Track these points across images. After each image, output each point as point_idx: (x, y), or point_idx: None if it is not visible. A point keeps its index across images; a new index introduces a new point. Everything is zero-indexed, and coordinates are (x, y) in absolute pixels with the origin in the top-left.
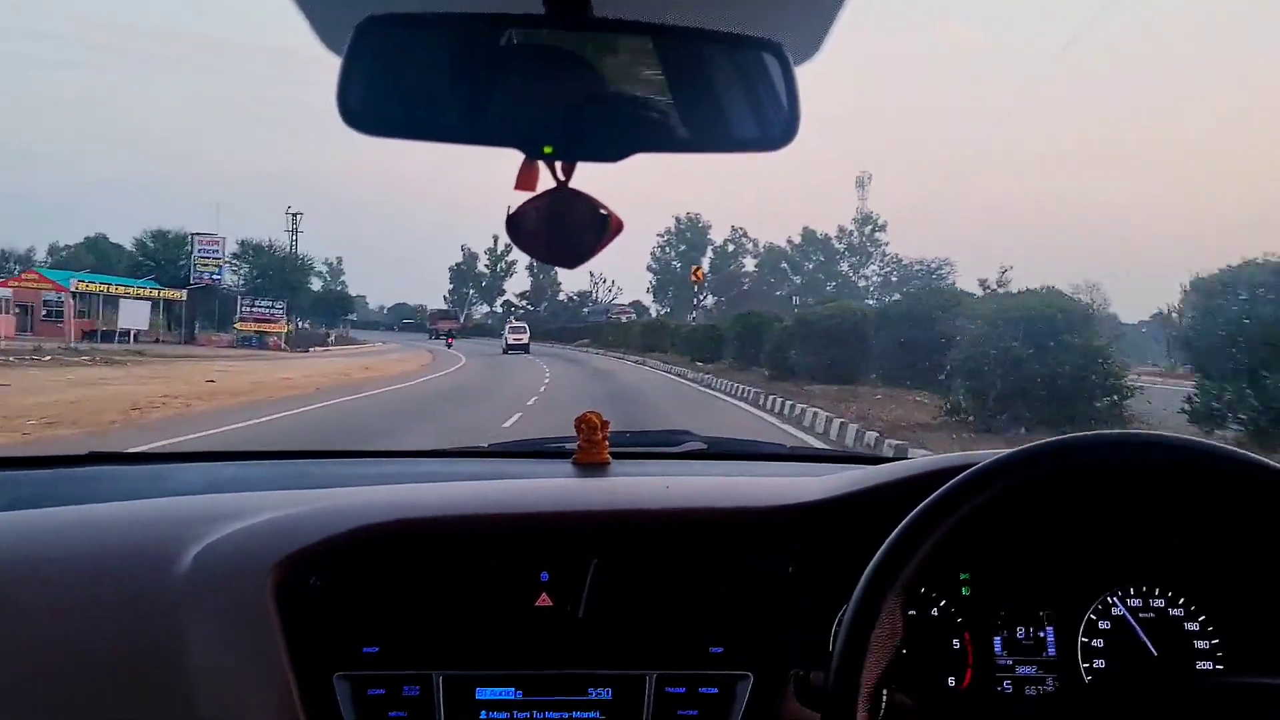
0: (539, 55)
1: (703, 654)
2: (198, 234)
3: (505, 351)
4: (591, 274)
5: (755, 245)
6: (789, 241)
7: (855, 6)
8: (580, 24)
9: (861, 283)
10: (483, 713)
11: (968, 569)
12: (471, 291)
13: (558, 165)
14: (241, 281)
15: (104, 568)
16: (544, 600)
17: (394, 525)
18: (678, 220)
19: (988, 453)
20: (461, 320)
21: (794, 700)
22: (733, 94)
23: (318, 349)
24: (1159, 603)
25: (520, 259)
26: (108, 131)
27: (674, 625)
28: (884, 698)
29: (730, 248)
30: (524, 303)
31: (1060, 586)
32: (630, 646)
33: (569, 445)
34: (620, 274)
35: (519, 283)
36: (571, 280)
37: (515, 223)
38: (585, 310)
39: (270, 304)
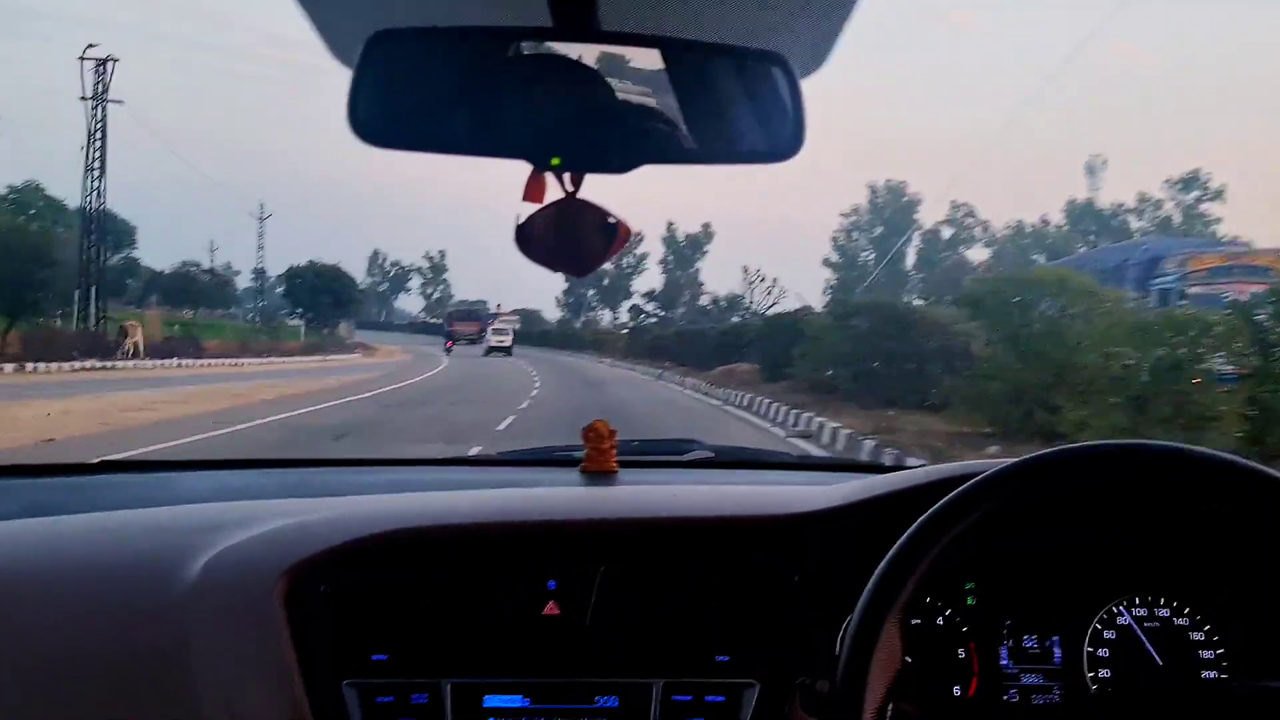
0: (547, 67)
1: (709, 662)
2: None
3: (486, 354)
4: (745, 270)
5: (985, 229)
6: (1044, 220)
7: (860, 22)
8: (587, 36)
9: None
10: None
11: (973, 578)
12: (591, 293)
13: (565, 177)
14: None
15: (113, 575)
16: (551, 608)
17: (403, 533)
18: (873, 192)
19: (992, 462)
20: (484, 324)
21: (800, 709)
22: (739, 106)
23: (83, 368)
24: (1164, 612)
25: (652, 251)
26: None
27: (680, 633)
28: (889, 707)
29: (947, 232)
30: (653, 306)
31: (1066, 596)
32: (637, 654)
33: (576, 453)
34: (787, 271)
35: (650, 280)
36: (718, 278)
37: (523, 233)
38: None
39: None
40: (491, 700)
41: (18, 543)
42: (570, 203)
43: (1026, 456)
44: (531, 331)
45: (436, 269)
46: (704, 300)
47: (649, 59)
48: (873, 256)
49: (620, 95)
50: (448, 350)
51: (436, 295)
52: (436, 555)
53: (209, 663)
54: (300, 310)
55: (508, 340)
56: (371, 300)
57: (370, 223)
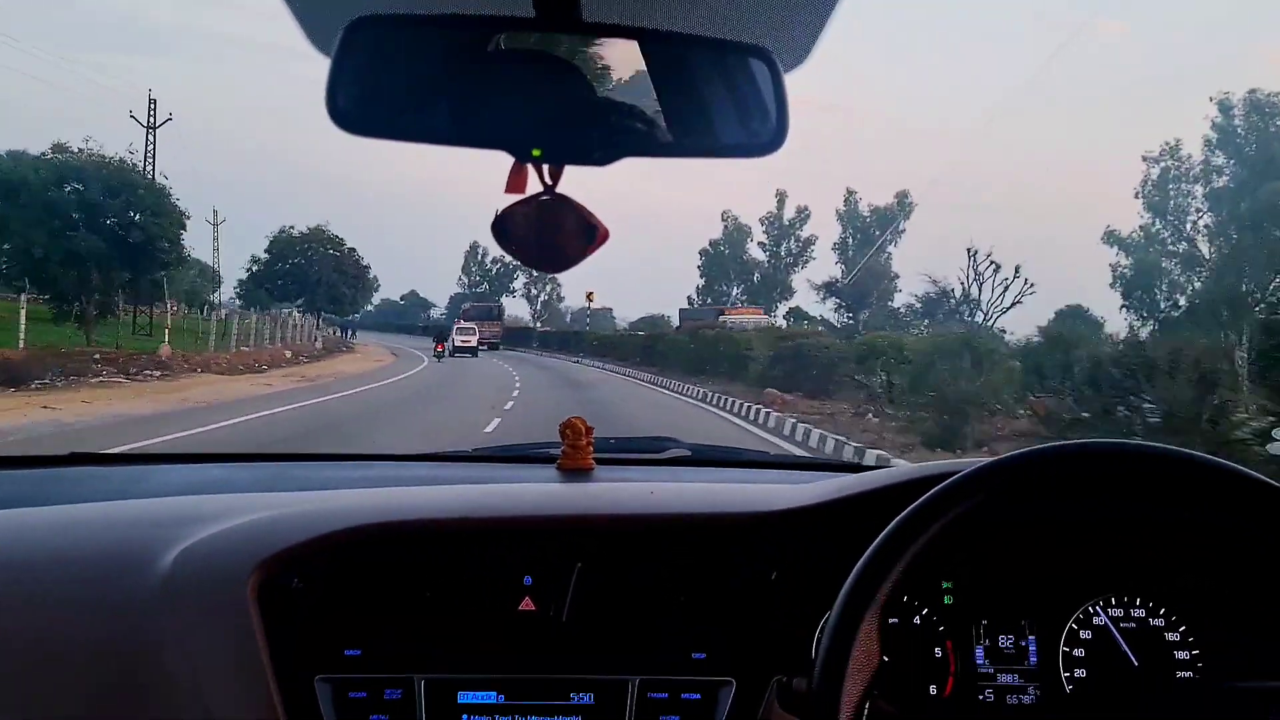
0: (528, 58)
1: (685, 659)
2: None
3: (451, 354)
4: (970, 253)
5: None
6: None
7: (844, 15)
8: (569, 27)
9: None
10: (464, 716)
11: (950, 578)
12: (737, 290)
13: (545, 168)
14: None
15: (84, 568)
16: (527, 604)
17: (377, 528)
18: (1222, 112)
19: (969, 461)
20: (502, 321)
21: (776, 706)
22: (722, 99)
23: None
24: (1140, 613)
25: (825, 232)
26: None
27: (657, 630)
28: (866, 705)
29: None
30: (829, 302)
31: (1042, 595)
32: (613, 651)
33: (553, 450)
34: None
35: (823, 269)
36: (922, 256)
37: (502, 227)
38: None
39: None
40: (465, 696)
41: None
42: (550, 201)
43: (1007, 454)
44: (617, 339)
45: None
46: (912, 296)
47: (632, 51)
48: (1207, 220)
49: (602, 87)
50: (437, 355)
51: (544, 297)
52: (411, 550)
53: (181, 656)
54: (37, 280)
55: (473, 340)
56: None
57: (471, 215)
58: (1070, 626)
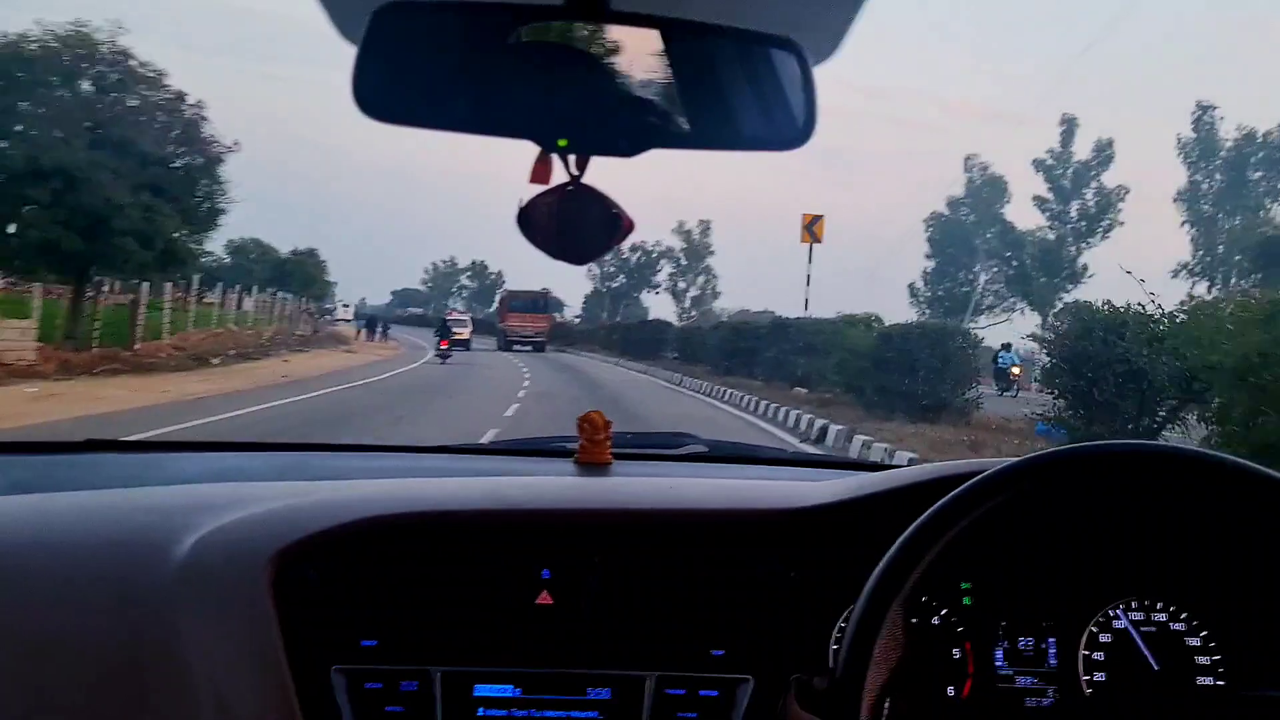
0: (556, 47)
1: (704, 656)
2: None
3: (447, 351)
4: None
5: None
6: None
7: (874, 8)
8: (598, 16)
9: None
10: (480, 710)
11: (970, 578)
12: (985, 278)
13: (571, 159)
14: None
15: (99, 555)
16: (545, 598)
17: (394, 519)
18: None
19: (992, 461)
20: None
21: (795, 705)
22: (750, 92)
23: None
24: (1161, 617)
25: (1143, 182)
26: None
27: (675, 626)
28: (885, 705)
29: None
30: (1198, 285)
31: (1063, 598)
32: (631, 647)
33: (571, 444)
34: None
35: (1139, 236)
36: None
37: (526, 217)
38: None
39: None
40: (482, 689)
41: (2, 519)
42: (575, 191)
43: (1033, 454)
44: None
45: (694, 252)
46: None
47: (659, 41)
48: None
49: (630, 77)
50: (441, 353)
51: (694, 292)
52: (428, 542)
53: (195, 645)
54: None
55: (466, 333)
56: (602, 301)
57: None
58: (1090, 629)
